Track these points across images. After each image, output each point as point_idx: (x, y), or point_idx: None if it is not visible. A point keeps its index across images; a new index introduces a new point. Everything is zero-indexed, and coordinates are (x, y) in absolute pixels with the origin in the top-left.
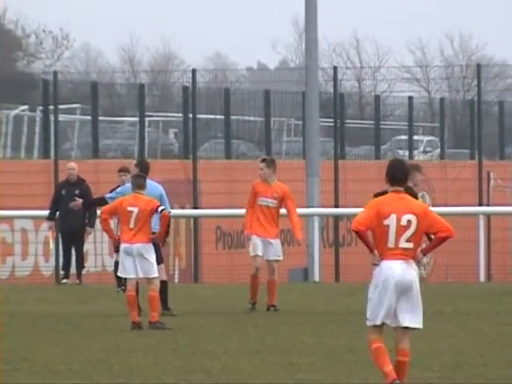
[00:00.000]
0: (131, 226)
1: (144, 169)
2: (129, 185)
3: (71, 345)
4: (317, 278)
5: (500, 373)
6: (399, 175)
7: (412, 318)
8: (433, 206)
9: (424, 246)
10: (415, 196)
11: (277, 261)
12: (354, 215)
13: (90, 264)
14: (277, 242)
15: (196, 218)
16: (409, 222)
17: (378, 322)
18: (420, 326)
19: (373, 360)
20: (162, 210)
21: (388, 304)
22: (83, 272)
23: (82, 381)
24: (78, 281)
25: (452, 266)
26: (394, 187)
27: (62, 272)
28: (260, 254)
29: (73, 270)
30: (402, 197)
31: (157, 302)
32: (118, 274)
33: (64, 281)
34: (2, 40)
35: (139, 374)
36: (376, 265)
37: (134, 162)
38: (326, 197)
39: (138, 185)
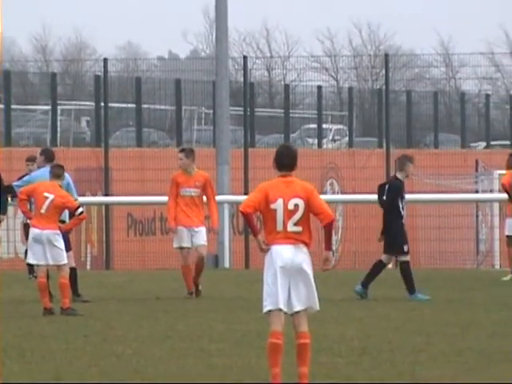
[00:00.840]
0: (42, 211)
1: (49, 157)
2: (36, 173)
3: None
4: (227, 265)
5: (406, 358)
6: (287, 161)
7: (306, 300)
8: (341, 193)
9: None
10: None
11: (204, 245)
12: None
13: (2, 251)
14: (202, 229)
15: (108, 206)
16: (296, 206)
17: (275, 307)
18: (315, 306)
19: (267, 353)
20: (80, 213)
21: (276, 287)
22: None
23: None
24: None
25: (360, 252)
26: (281, 172)
27: None
28: (186, 245)
29: None
30: (289, 181)
31: (67, 289)
32: (28, 260)
33: None
34: None
35: (51, 360)
36: (264, 250)
37: (39, 150)
38: (236, 184)
39: (57, 174)
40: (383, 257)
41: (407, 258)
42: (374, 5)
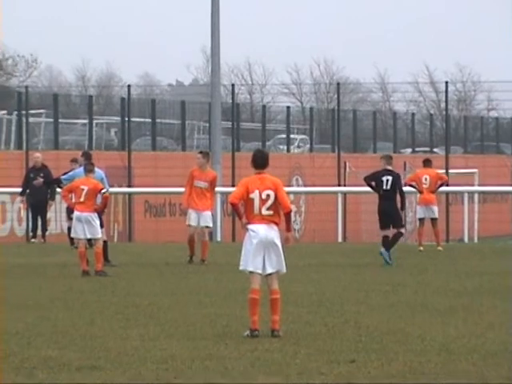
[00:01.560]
0: (82, 199)
1: (88, 157)
2: (78, 170)
3: (37, 287)
4: (219, 239)
5: (351, 308)
6: (260, 161)
7: (276, 265)
8: (304, 186)
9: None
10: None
11: (207, 227)
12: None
13: (51, 227)
14: (208, 214)
15: (130, 195)
16: (268, 195)
17: (249, 269)
18: (283, 270)
19: (247, 305)
20: (104, 192)
21: (254, 255)
22: (46, 233)
23: (45, 313)
24: (42, 240)
25: (318, 230)
26: (257, 170)
27: (31, 233)
28: (193, 223)
29: (39, 231)
30: (263, 177)
31: (100, 256)
32: (72, 235)
33: (32, 240)
34: None
35: (87, 309)
36: (246, 229)
37: (80, 152)
38: (226, 179)
39: (89, 170)
40: (387, 231)
41: (403, 230)
42: (330, 45)
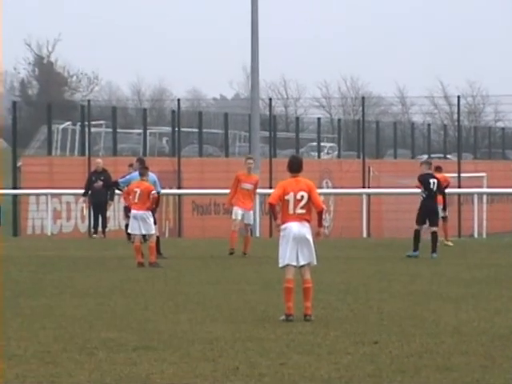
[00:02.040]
0: (136, 200)
1: (142, 163)
2: (133, 174)
3: (98, 277)
4: (257, 235)
5: (375, 296)
6: (296, 166)
7: (308, 258)
8: (333, 188)
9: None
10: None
11: (249, 224)
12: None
13: (110, 224)
14: (251, 213)
15: (179, 195)
16: (302, 196)
17: (286, 263)
18: (314, 262)
19: (283, 293)
20: (154, 193)
21: (290, 250)
22: (106, 230)
23: (105, 300)
24: (103, 235)
25: (345, 227)
26: (292, 174)
27: (92, 230)
28: (239, 218)
29: (99, 228)
30: (298, 180)
31: (154, 249)
32: (129, 231)
33: (94, 235)
34: (54, 79)
35: (142, 296)
36: (279, 225)
37: (135, 158)
38: (264, 182)
39: (143, 174)
40: (435, 228)
41: (436, 228)
42: (356, 63)
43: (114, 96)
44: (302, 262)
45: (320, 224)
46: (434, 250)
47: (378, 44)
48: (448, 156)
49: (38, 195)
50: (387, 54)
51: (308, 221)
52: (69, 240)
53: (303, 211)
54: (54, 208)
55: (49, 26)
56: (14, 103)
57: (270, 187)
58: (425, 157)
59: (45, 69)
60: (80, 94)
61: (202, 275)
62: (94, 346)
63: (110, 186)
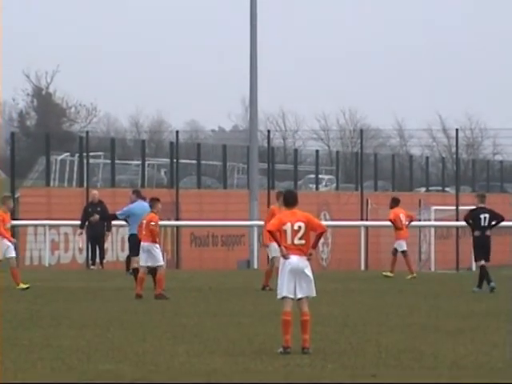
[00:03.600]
0: (143, 232)
1: (138, 195)
2: (131, 206)
3: (95, 308)
4: (256, 266)
5: (373, 329)
6: (291, 200)
7: (305, 291)
8: (331, 220)
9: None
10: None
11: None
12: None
13: (108, 256)
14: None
15: (178, 227)
16: (299, 227)
17: (283, 295)
18: (313, 294)
19: (281, 326)
20: (152, 224)
21: (287, 283)
22: (104, 261)
23: (103, 331)
24: (100, 266)
25: (343, 259)
26: (287, 207)
27: (90, 261)
28: (277, 255)
29: (97, 259)
30: (294, 212)
31: (161, 281)
32: (141, 263)
33: (92, 267)
34: (52, 110)
35: (139, 328)
36: (285, 256)
37: (131, 190)
38: (263, 214)
39: (152, 206)
40: (483, 262)
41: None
42: (354, 96)
43: (113, 127)
44: (299, 295)
45: (314, 245)
46: (479, 285)
47: (376, 77)
48: (446, 189)
49: (36, 226)
50: (386, 87)
51: (305, 252)
52: (67, 271)
53: (302, 242)
54: (51, 239)
55: (47, 57)
56: (13, 134)
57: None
58: (423, 189)
59: (43, 100)
60: (78, 126)
61: (200, 307)
62: (92, 378)
63: (108, 219)
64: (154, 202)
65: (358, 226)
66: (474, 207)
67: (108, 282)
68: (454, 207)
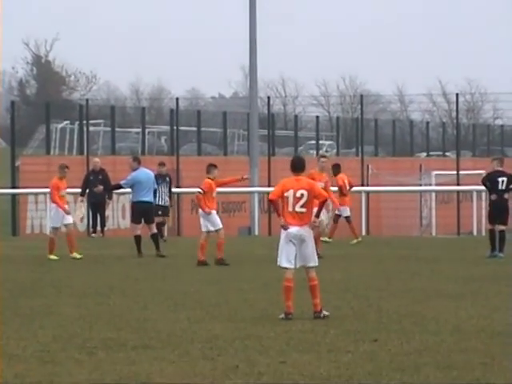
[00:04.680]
0: (202, 199)
1: (139, 161)
2: (134, 174)
3: (96, 275)
4: (256, 233)
5: (375, 294)
6: (298, 166)
7: (306, 260)
8: (331, 186)
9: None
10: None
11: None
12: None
13: (109, 223)
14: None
15: (178, 194)
16: (301, 194)
17: (283, 265)
18: (313, 263)
19: (282, 292)
20: (196, 193)
21: (288, 251)
22: (105, 228)
23: (104, 299)
24: (101, 234)
25: (344, 225)
26: (294, 173)
27: (91, 229)
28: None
29: (98, 227)
30: (299, 179)
31: (223, 246)
32: (203, 229)
33: (93, 235)
34: (52, 78)
35: (141, 296)
36: (284, 227)
37: (131, 157)
38: (263, 181)
39: (208, 171)
40: (502, 227)
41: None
42: (354, 61)
43: (113, 95)
44: (298, 265)
45: (317, 214)
46: (500, 250)
47: (376, 42)
48: (447, 153)
49: (36, 194)
50: (385, 52)
51: (307, 221)
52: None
53: (303, 210)
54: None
55: (47, 25)
56: (13, 103)
57: (269, 185)
58: (423, 154)
59: (43, 68)
60: (78, 94)
61: (201, 274)
62: (94, 346)
63: (112, 189)
64: (211, 167)
65: (359, 192)
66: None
67: (109, 249)
68: (455, 172)
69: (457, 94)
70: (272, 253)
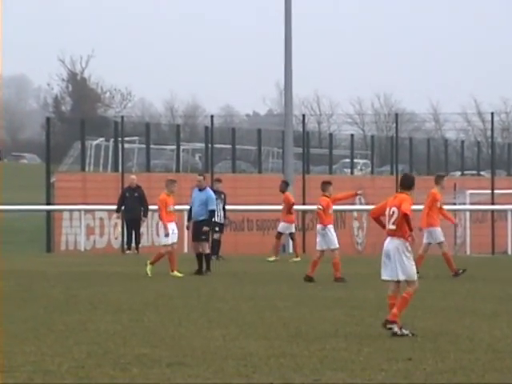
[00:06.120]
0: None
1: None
2: (211, 192)
3: (131, 292)
4: (291, 251)
5: (409, 313)
6: (402, 182)
7: (391, 274)
8: (366, 204)
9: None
10: None
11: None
12: (314, 211)
13: (143, 240)
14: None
15: None
16: (393, 212)
17: (381, 278)
18: (402, 277)
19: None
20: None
21: (382, 266)
22: (140, 246)
23: (139, 316)
24: (136, 251)
25: (378, 243)
26: (401, 189)
27: (126, 246)
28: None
29: (133, 244)
30: (396, 195)
31: (339, 265)
32: (317, 247)
33: (127, 251)
34: (87, 95)
35: (175, 312)
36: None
37: (200, 174)
38: (297, 198)
39: (323, 189)
40: None
41: None
42: (389, 80)
43: (147, 112)
44: (383, 277)
45: (409, 228)
46: None
47: (411, 60)
48: (481, 173)
49: (71, 211)
50: (421, 71)
51: (398, 237)
52: (102, 256)
53: (393, 227)
54: (87, 224)
55: (82, 42)
56: (48, 119)
57: (303, 203)
58: (458, 173)
59: (78, 85)
60: (113, 110)
61: (236, 291)
62: (128, 362)
63: (144, 202)
64: (326, 185)
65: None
66: None
67: (143, 266)
68: (490, 191)
69: (492, 113)
70: (306, 271)
